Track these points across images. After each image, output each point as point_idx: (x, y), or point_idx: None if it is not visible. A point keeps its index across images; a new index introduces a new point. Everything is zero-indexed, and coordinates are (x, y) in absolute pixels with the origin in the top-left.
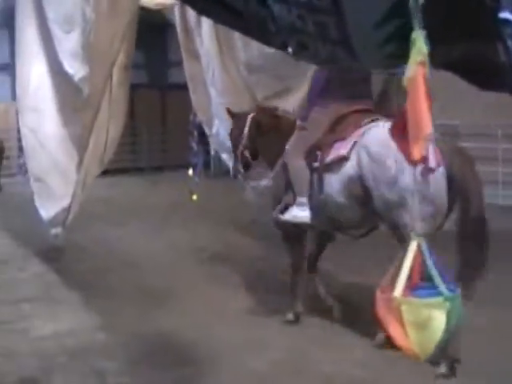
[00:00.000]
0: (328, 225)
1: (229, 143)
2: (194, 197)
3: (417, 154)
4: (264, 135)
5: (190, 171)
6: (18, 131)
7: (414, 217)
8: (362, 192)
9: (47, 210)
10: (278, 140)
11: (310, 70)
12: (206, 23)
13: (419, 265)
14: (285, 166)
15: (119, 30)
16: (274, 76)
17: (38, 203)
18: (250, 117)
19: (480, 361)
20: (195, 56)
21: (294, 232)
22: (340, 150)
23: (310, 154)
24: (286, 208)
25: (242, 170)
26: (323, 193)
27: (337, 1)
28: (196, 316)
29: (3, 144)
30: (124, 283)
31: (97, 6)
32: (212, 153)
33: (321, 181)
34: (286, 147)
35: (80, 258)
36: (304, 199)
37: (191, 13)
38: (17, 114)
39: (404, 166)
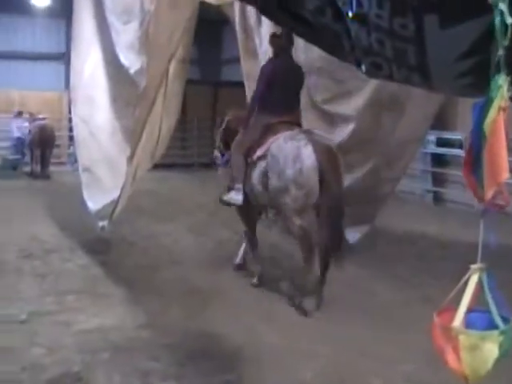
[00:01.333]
0: (257, 206)
1: None
2: None
3: (487, 195)
4: (230, 135)
5: None
6: (70, 121)
7: (292, 198)
8: (266, 181)
9: (95, 202)
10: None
11: None
12: (266, 23)
13: (477, 292)
14: (229, 159)
15: (180, 23)
16: (333, 79)
17: (85, 194)
18: (226, 119)
19: None
20: (253, 55)
21: (244, 208)
22: (261, 150)
23: (247, 152)
24: (228, 190)
25: (219, 156)
26: (251, 182)
27: (420, 32)
28: (243, 319)
29: (54, 132)
30: (170, 281)
31: None
32: None
33: (250, 173)
34: (232, 145)
35: (126, 253)
36: (239, 186)
37: (252, 11)
38: (69, 103)
39: (288, 163)
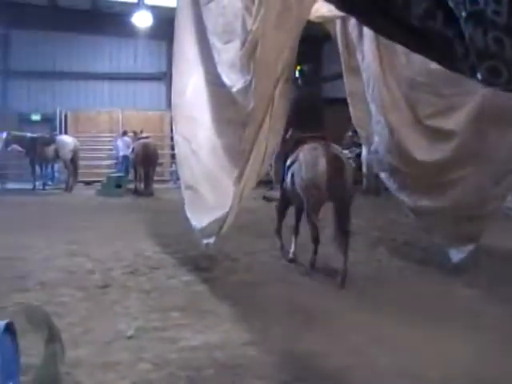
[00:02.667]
0: (291, 201)
1: (387, 161)
2: None
3: None
4: None
5: None
6: (172, 139)
7: (309, 194)
8: (294, 182)
9: (198, 220)
10: None
11: (476, 88)
12: (368, 38)
13: None
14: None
15: (286, 43)
16: (436, 93)
17: (188, 212)
18: None
19: None
20: (356, 71)
21: (280, 204)
22: (291, 158)
23: (284, 160)
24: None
25: None
26: (285, 182)
27: None
28: (351, 339)
29: (157, 151)
30: (275, 298)
31: (265, 17)
32: (364, 170)
33: (286, 175)
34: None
35: (230, 269)
36: (278, 186)
37: (353, 27)
38: (171, 122)
39: (306, 168)
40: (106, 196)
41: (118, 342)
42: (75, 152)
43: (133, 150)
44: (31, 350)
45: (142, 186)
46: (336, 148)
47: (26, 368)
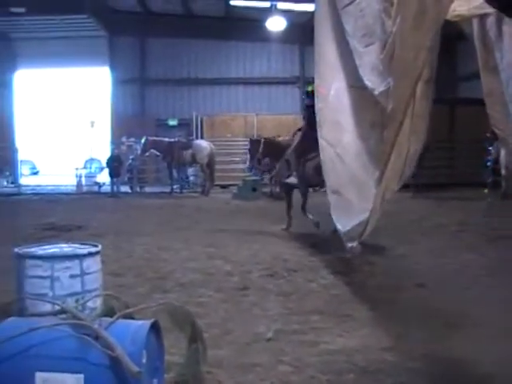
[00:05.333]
0: (308, 185)
1: None
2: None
3: None
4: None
5: (486, 190)
6: None
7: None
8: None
9: (343, 224)
10: (278, 152)
11: None
12: (508, 36)
13: None
14: (287, 160)
15: (425, 42)
16: None
17: (334, 216)
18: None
19: None
20: (494, 71)
21: (285, 189)
22: (315, 152)
23: (301, 154)
24: (288, 176)
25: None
26: (306, 171)
27: None
28: (499, 345)
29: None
30: (413, 304)
31: (402, 18)
32: (503, 172)
33: (304, 165)
34: (287, 152)
35: (369, 274)
36: (295, 173)
37: (491, 25)
38: None
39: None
40: (242, 199)
41: (258, 344)
42: (211, 156)
43: None
44: (174, 348)
45: (278, 189)
46: None
47: (170, 366)
